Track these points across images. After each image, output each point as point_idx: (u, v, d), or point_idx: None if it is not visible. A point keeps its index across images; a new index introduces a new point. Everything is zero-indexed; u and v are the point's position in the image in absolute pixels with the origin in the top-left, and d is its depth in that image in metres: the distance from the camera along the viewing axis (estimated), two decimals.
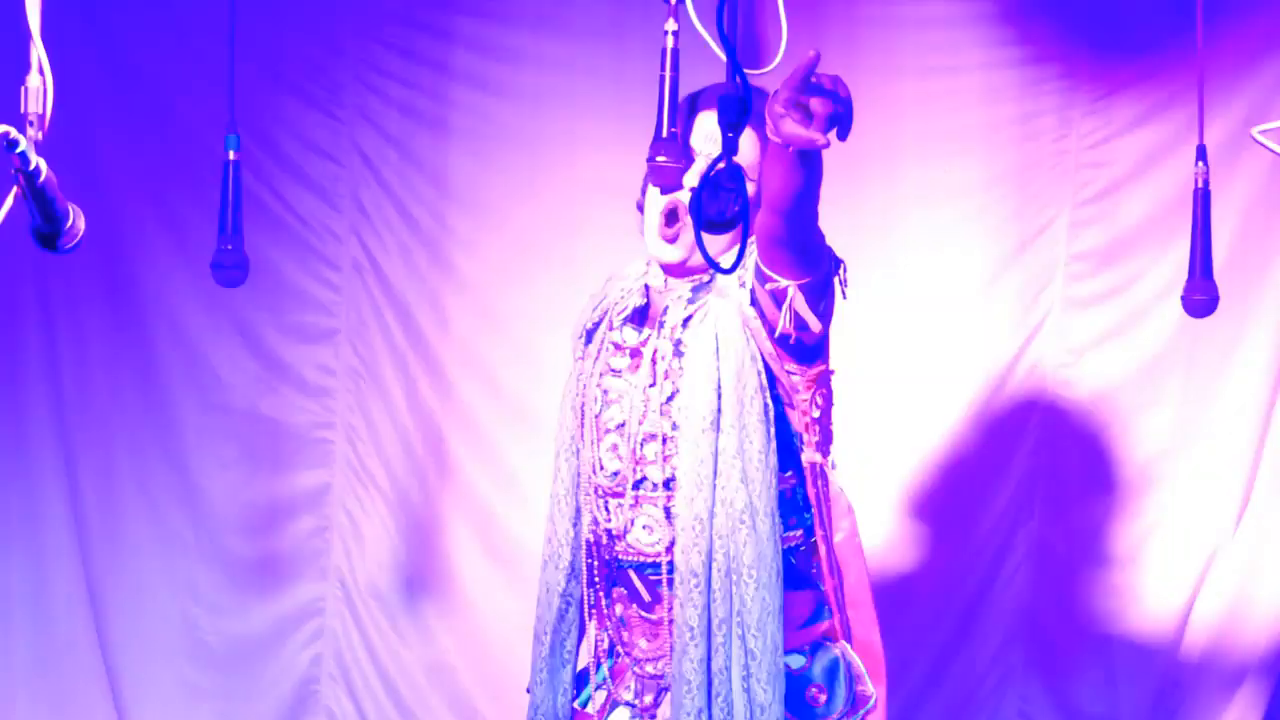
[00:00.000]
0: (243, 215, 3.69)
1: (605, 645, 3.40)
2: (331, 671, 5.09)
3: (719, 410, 3.16)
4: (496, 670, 4.97)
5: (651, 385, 3.26)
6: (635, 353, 3.31)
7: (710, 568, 3.16)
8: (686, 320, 3.25)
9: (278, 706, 5.07)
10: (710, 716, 3.15)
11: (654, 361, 3.26)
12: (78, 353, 5.00)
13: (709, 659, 3.16)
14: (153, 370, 5.02)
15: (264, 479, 5.05)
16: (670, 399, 3.24)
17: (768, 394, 3.18)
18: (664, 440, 3.24)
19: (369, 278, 5.06)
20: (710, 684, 3.16)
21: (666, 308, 3.29)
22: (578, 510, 3.38)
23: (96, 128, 4.93)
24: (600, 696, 3.40)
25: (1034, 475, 4.87)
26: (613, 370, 3.33)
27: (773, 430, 3.19)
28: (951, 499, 4.82)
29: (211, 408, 5.04)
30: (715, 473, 3.16)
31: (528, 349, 4.97)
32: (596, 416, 3.32)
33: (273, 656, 5.08)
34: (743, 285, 3.21)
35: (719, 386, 3.16)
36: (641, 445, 3.26)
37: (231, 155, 3.65)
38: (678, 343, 3.24)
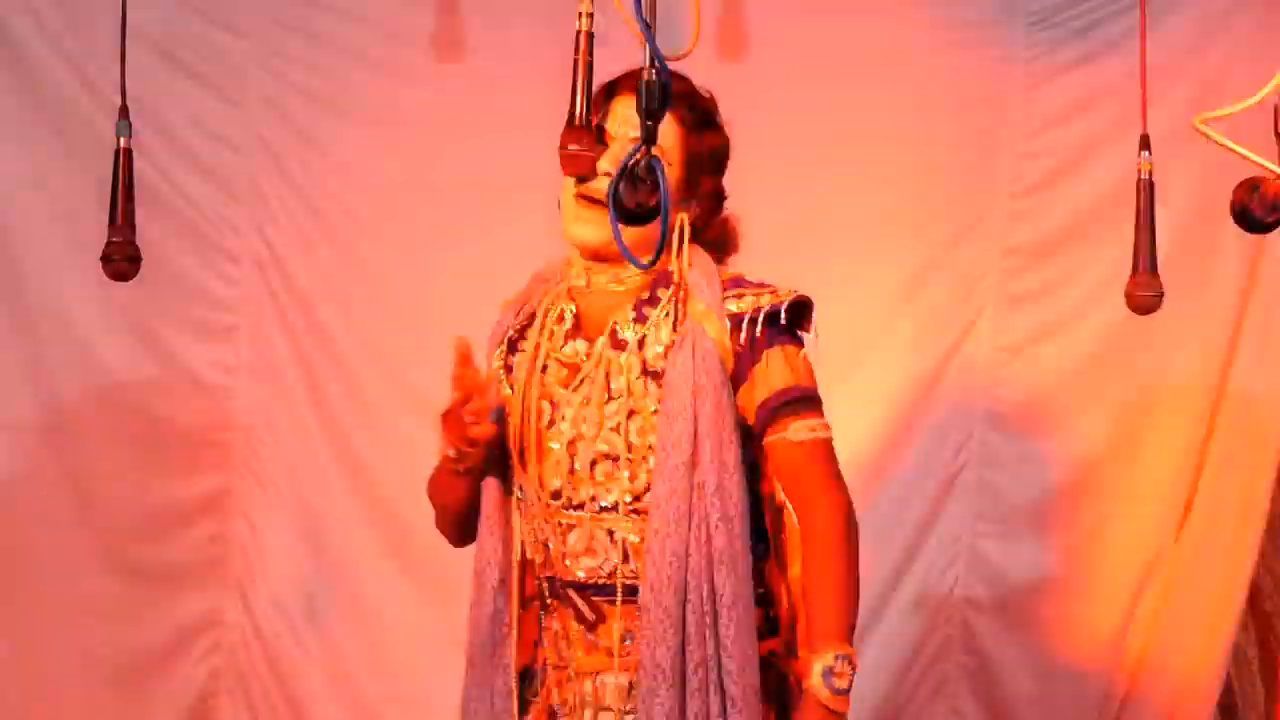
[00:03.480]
0: (135, 206, 3.48)
1: (541, 662, 3.29)
2: (230, 685, 4.92)
3: (696, 445, 3.09)
4: (403, 681, 4.85)
5: (607, 402, 3.17)
6: (577, 366, 3.21)
7: (685, 608, 3.09)
8: (643, 343, 3.17)
9: None
10: None
11: (607, 376, 3.18)
12: None
13: (684, 701, 3.08)
14: (42, 368, 4.80)
15: (159, 483, 4.86)
16: (629, 418, 3.15)
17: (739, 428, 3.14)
18: (615, 460, 3.15)
19: (270, 271, 4.89)
20: None
21: (615, 322, 3.19)
22: (508, 527, 3.28)
23: None
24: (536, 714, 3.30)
25: (967, 478, 4.81)
26: (558, 383, 3.22)
27: (744, 465, 3.14)
28: (881, 503, 4.74)
29: (104, 408, 4.83)
30: (691, 510, 3.09)
31: (439, 346, 4.82)
32: (539, 431, 3.21)
33: (169, 670, 4.89)
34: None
35: (696, 420, 3.09)
36: (591, 465, 3.17)
37: (122, 143, 3.45)
38: (649, 368, 3.16)
